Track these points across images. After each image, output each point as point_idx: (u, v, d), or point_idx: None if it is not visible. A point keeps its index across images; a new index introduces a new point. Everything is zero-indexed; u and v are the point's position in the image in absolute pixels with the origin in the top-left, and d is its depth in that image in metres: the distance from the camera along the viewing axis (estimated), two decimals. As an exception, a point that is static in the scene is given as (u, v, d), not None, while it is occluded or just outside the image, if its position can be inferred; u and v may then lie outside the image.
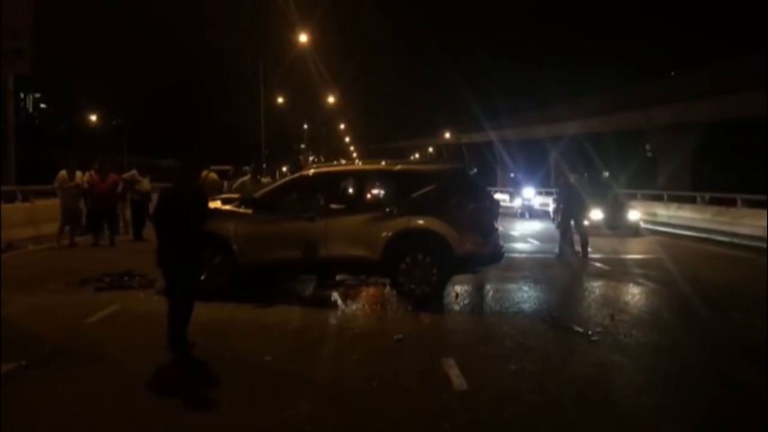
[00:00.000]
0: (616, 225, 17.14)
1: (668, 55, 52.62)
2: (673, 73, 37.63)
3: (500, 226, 9.10)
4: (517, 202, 27.35)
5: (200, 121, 59.18)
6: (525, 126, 50.57)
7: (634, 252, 14.02)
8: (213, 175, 13.71)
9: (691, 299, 8.75)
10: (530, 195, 26.44)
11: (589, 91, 42.90)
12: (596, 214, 16.75)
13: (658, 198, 24.98)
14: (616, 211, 17.66)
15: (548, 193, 28.44)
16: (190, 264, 5.70)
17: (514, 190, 30.96)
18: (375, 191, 10.44)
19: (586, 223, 16.19)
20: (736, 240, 16.46)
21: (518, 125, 51.50)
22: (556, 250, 12.84)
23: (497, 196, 36.41)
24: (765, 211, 17.23)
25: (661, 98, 32.26)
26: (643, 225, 18.27)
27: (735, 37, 44.88)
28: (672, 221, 21.41)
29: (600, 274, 10.87)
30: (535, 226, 20.55)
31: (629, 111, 35.29)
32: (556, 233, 13.50)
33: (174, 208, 5.63)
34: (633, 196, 23.53)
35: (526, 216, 24.60)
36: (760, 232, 16.33)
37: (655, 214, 22.67)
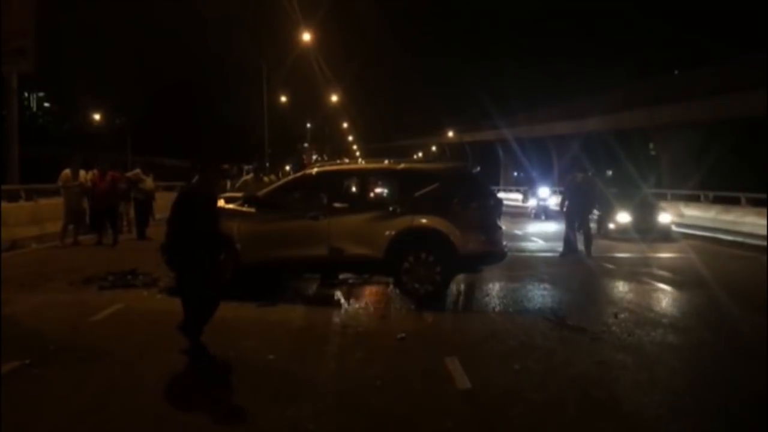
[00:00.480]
0: (645, 228, 15.66)
1: (671, 54, 52.60)
2: (676, 72, 37.57)
3: (517, 228, 9.05)
4: (532, 203, 25.37)
5: (203, 120, 59.26)
6: (528, 125, 50.54)
7: (639, 251, 13.95)
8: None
9: (696, 298, 8.75)
10: (546, 194, 24.05)
11: (593, 90, 42.87)
12: (623, 217, 15.74)
13: (661, 197, 24.82)
14: (645, 213, 16.25)
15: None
16: (203, 264, 5.69)
17: (528, 189, 29.05)
18: (378, 190, 10.44)
19: (611, 226, 15.63)
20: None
21: (523, 124, 51.48)
22: (560, 249, 12.81)
23: (500, 195, 36.04)
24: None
25: (665, 97, 32.18)
26: (675, 228, 17.03)
27: (740, 36, 44.78)
28: (697, 223, 19.98)
29: (604, 273, 10.85)
30: (552, 228, 18.68)
31: (634, 110, 35.19)
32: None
33: (189, 208, 5.65)
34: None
35: (542, 218, 22.57)
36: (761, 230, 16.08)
37: (682, 215, 21.11)
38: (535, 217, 23.25)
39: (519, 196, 33.77)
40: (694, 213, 21.34)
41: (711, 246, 15.50)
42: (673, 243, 15.45)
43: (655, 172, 33.40)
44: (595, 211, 16.50)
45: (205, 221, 5.66)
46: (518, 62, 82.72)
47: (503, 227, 8.72)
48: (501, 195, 36.69)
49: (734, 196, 20.26)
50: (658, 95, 32.84)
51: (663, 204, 18.95)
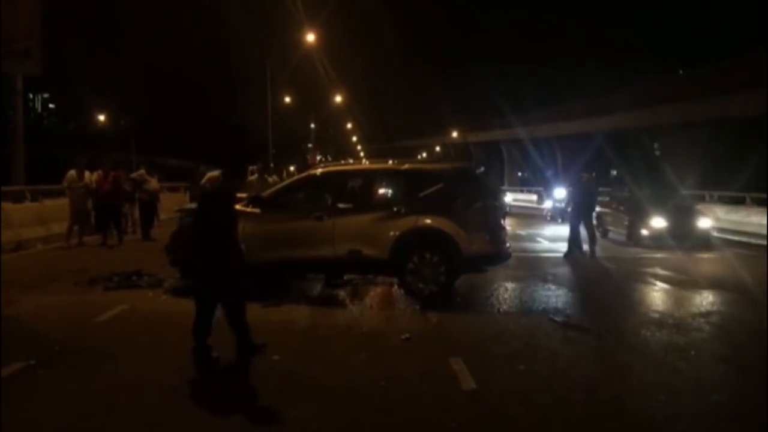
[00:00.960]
0: (682, 234, 14.07)
1: (675, 53, 52.46)
2: (681, 72, 37.47)
3: (524, 230, 9.01)
4: (548, 204, 23.98)
5: (207, 120, 59.29)
6: (536, 124, 50.33)
7: (642, 251, 13.89)
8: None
9: (700, 298, 8.72)
10: (562, 195, 21.54)
11: (598, 90, 42.78)
12: (658, 222, 14.29)
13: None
14: (681, 218, 14.66)
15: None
16: (222, 265, 5.66)
17: (543, 190, 27.79)
18: (382, 190, 10.44)
19: (644, 232, 14.52)
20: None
21: (529, 123, 51.25)
22: (564, 249, 12.78)
23: (510, 195, 35.68)
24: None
25: (669, 96, 32.09)
26: (716, 234, 15.35)
27: (744, 35, 44.61)
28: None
29: (608, 274, 10.82)
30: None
31: (640, 109, 35.08)
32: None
33: (209, 210, 5.66)
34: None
35: (558, 220, 20.87)
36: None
37: (719, 219, 18.41)
38: (551, 219, 22.23)
39: (533, 197, 33.38)
40: (731, 217, 19.25)
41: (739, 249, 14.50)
42: (713, 251, 13.92)
43: (694, 172, 32.35)
44: (623, 214, 15.88)
45: (224, 222, 5.65)
46: (520, 61, 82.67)
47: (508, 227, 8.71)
48: (512, 195, 36.71)
49: (740, 195, 20.03)
50: (661, 95, 32.73)
51: (701, 207, 17.12)
